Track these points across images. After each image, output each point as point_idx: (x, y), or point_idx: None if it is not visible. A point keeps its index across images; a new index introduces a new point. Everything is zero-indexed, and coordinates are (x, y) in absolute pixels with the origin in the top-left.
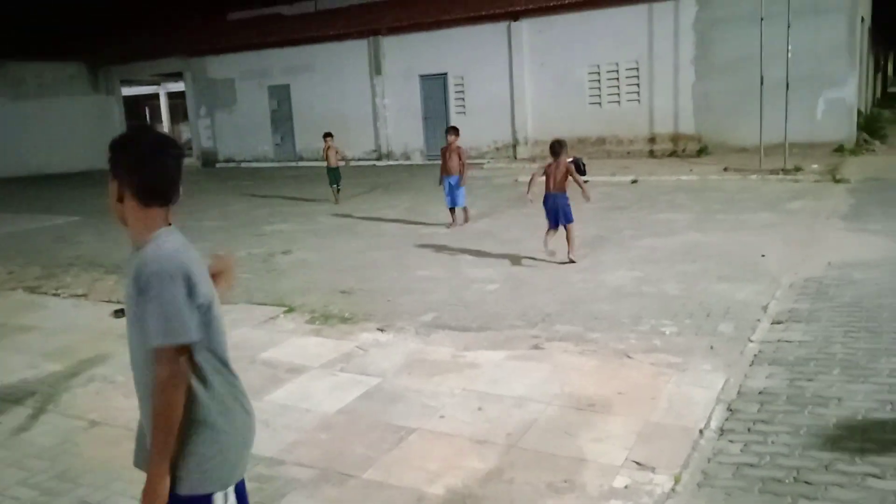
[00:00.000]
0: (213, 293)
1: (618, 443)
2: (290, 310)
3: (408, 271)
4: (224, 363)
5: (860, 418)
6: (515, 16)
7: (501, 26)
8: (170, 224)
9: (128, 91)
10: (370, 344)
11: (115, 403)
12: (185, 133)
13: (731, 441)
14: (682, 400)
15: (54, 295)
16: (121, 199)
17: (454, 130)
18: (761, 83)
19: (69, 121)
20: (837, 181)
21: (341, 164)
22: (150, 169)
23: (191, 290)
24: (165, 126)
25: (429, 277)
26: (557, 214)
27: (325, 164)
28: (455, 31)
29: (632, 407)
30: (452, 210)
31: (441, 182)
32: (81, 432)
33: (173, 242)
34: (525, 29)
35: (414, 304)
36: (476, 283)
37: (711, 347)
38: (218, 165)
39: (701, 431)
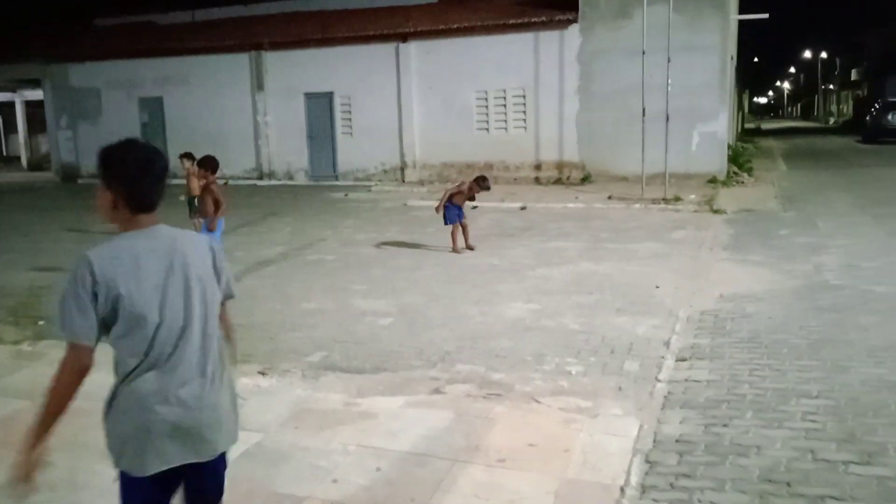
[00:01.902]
0: (144, 299)
1: None
2: None
3: (291, 303)
4: (150, 365)
5: (783, 469)
6: (404, 37)
7: (390, 47)
8: (155, 223)
9: None
10: (250, 391)
11: None
12: (43, 145)
13: (654, 500)
14: (598, 451)
15: None
16: (115, 206)
17: (189, 157)
18: (643, 114)
19: None
20: (715, 212)
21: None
22: (138, 185)
23: (97, 293)
24: (21, 137)
25: (315, 310)
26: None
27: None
28: (342, 50)
29: (545, 462)
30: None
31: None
32: None
33: (116, 245)
34: (413, 51)
35: (300, 341)
36: (367, 315)
37: (620, 388)
38: (80, 181)
39: (622, 489)
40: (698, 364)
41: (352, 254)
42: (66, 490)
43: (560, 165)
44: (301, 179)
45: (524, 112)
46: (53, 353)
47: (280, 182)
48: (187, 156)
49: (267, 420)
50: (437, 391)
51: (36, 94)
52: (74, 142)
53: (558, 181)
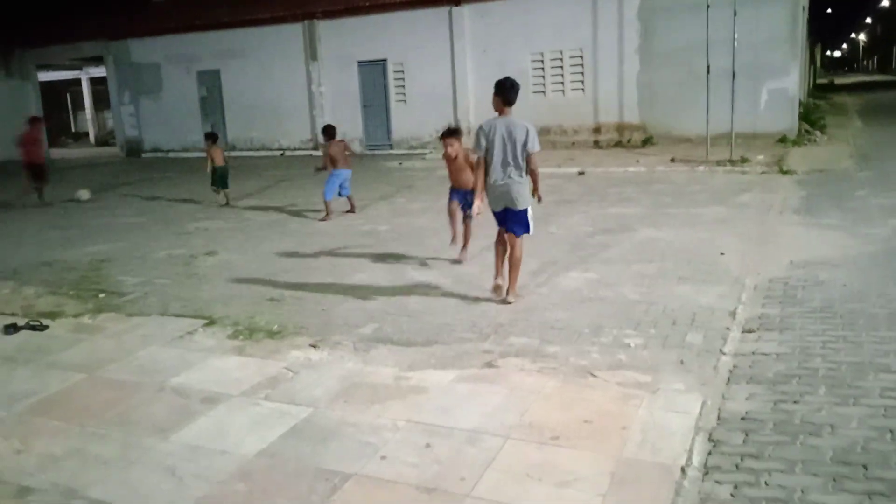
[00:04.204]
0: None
1: (589, 487)
2: (211, 322)
3: (344, 275)
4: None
5: (859, 450)
6: (457, 1)
7: (442, 11)
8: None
9: (46, 76)
10: (300, 364)
11: None
12: (108, 121)
13: (718, 482)
14: (657, 429)
15: None
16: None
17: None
18: (707, 73)
19: None
20: (784, 172)
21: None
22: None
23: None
24: (88, 114)
25: (367, 282)
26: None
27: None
28: (394, 16)
29: (601, 440)
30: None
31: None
32: None
33: (489, 121)
34: (467, 14)
35: (351, 313)
36: (420, 287)
37: (682, 362)
38: (144, 155)
39: (683, 470)
40: (767, 336)
41: (405, 224)
42: (119, 464)
43: (620, 128)
44: (356, 148)
45: (582, 74)
46: (113, 327)
47: None
48: (209, 136)
49: (317, 395)
50: (489, 365)
51: (100, 72)
52: (137, 117)
53: (618, 144)
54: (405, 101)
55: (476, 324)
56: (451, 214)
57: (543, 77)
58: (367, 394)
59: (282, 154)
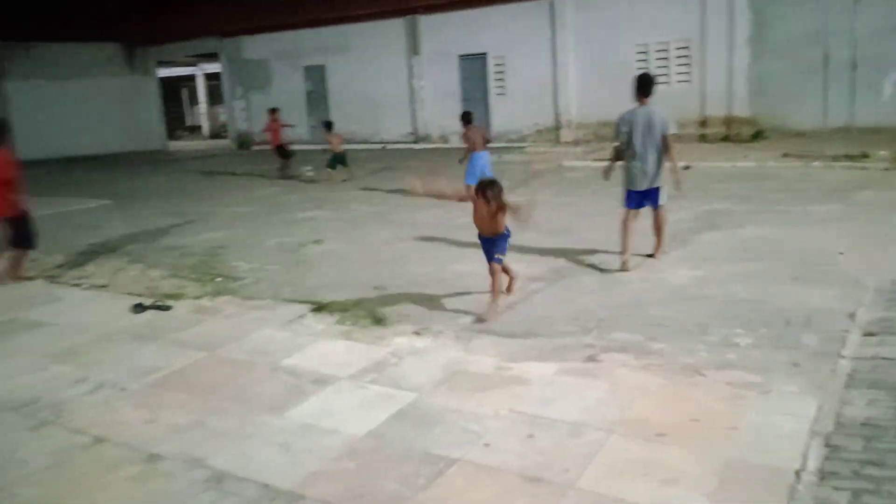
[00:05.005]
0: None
1: (696, 486)
2: (319, 308)
3: (445, 265)
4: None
5: None
6: None
7: (544, 4)
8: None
9: (165, 72)
10: (405, 351)
11: (121, 416)
12: (221, 114)
13: (835, 488)
14: (769, 431)
15: (74, 285)
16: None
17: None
18: (825, 63)
19: (104, 102)
20: None
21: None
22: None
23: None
24: (202, 108)
25: (467, 273)
26: None
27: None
28: (495, 10)
29: (709, 439)
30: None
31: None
32: (81, 451)
33: (628, 110)
34: (569, 6)
35: (452, 303)
36: (519, 280)
37: (796, 364)
38: (253, 148)
39: (797, 474)
40: (889, 340)
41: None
42: (237, 437)
43: (728, 121)
44: (455, 142)
45: (688, 65)
46: (229, 309)
47: (434, 145)
48: (326, 125)
49: (421, 381)
50: (591, 359)
51: (214, 67)
52: (248, 111)
53: (726, 138)
54: (504, 94)
55: (578, 318)
56: (623, 224)
57: (647, 69)
58: (469, 382)
59: (382, 147)
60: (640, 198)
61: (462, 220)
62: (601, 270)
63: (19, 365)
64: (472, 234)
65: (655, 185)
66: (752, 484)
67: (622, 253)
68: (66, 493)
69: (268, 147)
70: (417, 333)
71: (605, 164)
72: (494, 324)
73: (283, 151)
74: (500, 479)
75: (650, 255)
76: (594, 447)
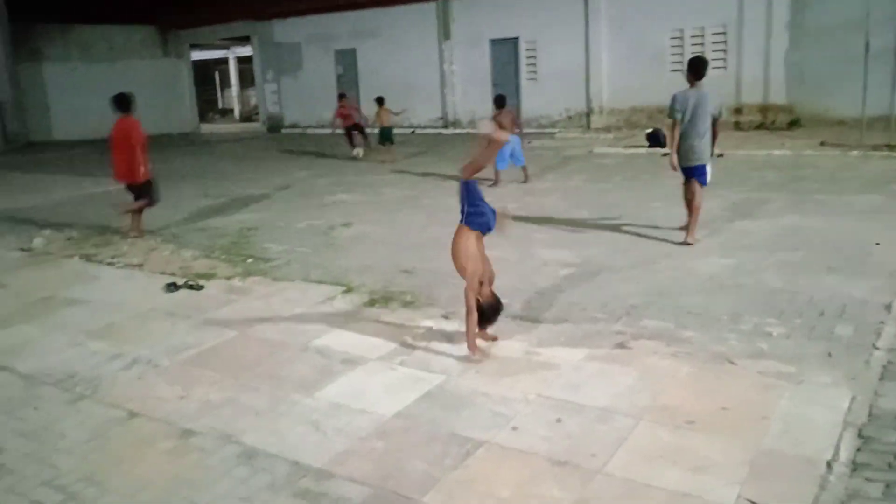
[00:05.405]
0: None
1: (725, 474)
2: (349, 290)
3: None
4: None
5: None
6: None
7: None
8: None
9: (198, 55)
10: (434, 334)
11: (156, 392)
12: (252, 98)
13: (868, 479)
14: (801, 421)
15: (109, 264)
16: (688, 80)
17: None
18: (866, 50)
19: (138, 84)
20: None
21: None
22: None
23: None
24: (234, 91)
25: (496, 258)
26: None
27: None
28: None
29: (739, 428)
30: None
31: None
32: (116, 425)
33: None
34: None
35: None
36: (549, 266)
37: (830, 354)
38: (283, 131)
39: (829, 465)
40: None
41: (533, 203)
42: (269, 415)
43: (764, 109)
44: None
45: (724, 52)
46: (260, 290)
47: (464, 130)
48: (378, 100)
49: (449, 364)
50: (621, 346)
51: (245, 51)
52: (279, 94)
53: (761, 126)
54: (535, 79)
55: (607, 304)
56: (688, 199)
57: (682, 55)
58: (497, 366)
59: (412, 132)
60: (691, 173)
61: (495, 205)
62: (631, 257)
63: (58, 340)
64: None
65: (703, 163)
66: (783, 473)
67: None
68: (104, 466)
69: (298, 130)
70: (446, 317)
71: (670, 141)
72: (523, 309)
73: (359, 130)
74: (527, 461)
75: (683, 243)
76: (623, 433)
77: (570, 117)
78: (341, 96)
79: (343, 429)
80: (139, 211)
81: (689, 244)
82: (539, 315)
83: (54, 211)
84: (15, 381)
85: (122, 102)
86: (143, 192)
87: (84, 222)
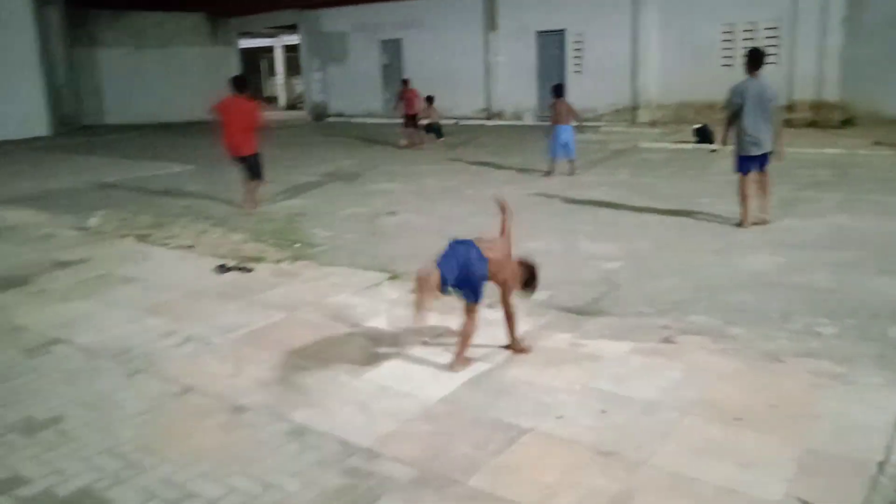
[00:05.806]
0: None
1: (774, 472)
2: (394, 277)
3: (518, 241)
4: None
5: None
6: None
7: None
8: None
9: (244, 43)
10: (479, 322)
11: (209, 368)
12: (298, 86)
13: None
14: (851, 422)
15: (162, 245)
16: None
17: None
18: None
19: (188, 71)
20: None
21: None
22: (757, 63)
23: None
24: (280, 79)
25: (541, 250)
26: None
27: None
28: None
29: (788, 426)
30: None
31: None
32: (171, 399)
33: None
34: None
35: None
36: (594, 259)
37: (882, 356)
38: (328, 119)
39: (880, 466)
40: None
41: (578, 196)
42: (317, 395)
43: (816, 106)
44: (528, 119)
45: (776, 47)
46: (307, 274)
47: (507, 122)
48: (428, 98)
49: (494, 352)
50: (667, 340)
51: (292, 40)
52: (324, 83)
53: (813, 124)
54: (581, 72)
55: (653, 299)
56: (740, 189)
57: (733, 50)
58: (542, 356)
59: (455, 123)
60: (751, 163)
61: (536, 197)
62: (678, 252)
63: (114, 316)
64: (546, 212)
65: (765, 151)
66: (832, 473)
67: (742, 213)
68: (160, 436)
69: (343, 119)
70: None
71: (721, 130)
72: (568, 301)
73: (414, 121)
74: (572, 450)
75: (755, 223)
76: (668, 426)
77: (616, 111)
78: (404, 82)
79: (390, 411)
80: (255, 188)
81: (766, 222)
82: (584, 308)
83: (107, 193)
84: (75, 354)
85: (242, 84)
86: (255, 163)
87: (136, 204)
